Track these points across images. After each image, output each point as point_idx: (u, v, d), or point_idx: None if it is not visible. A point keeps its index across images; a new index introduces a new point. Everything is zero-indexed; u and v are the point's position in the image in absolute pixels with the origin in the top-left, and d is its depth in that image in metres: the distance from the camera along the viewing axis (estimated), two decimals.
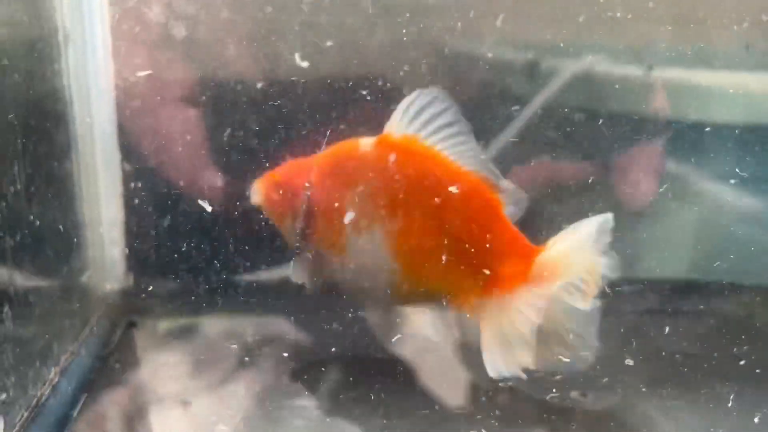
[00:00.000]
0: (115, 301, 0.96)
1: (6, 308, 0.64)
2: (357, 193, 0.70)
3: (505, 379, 0.69)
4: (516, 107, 0.86)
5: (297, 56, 0.76)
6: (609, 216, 0.68)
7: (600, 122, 0.87)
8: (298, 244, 0.75)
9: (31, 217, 0.71)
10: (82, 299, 0.90)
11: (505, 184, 0.70)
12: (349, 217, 0.70)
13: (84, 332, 0.87)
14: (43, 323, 0.75)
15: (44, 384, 0.73)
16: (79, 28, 0.86)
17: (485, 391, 0.78)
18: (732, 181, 0.91)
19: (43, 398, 0.71)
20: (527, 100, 0.87)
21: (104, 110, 0.90)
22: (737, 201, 0.92)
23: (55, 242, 0.80)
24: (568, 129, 0.88)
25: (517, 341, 0.68)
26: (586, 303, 0.66)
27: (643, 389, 0.79)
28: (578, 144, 0.89)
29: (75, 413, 0.73)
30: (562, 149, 0.89)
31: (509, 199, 0.70)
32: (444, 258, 0.69)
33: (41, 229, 0.74)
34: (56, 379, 0.75)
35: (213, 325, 0.94)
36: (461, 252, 0.69)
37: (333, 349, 0.86)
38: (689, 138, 0.90)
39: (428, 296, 0.74)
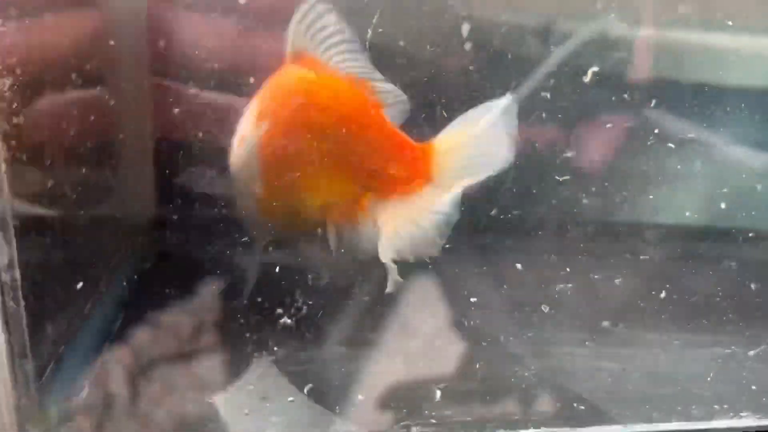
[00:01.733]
0: (146, 232, 0.98)
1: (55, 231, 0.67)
2: (254, 119, 0.70)
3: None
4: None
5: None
6: (506, 99, 0.68)
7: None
8: None
9: (75, 142, 0.74)
10: (116, 228, 0.92)
11: (387, 86, 0.70)
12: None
13: (116, 258, 0.90)
14: (86, 247, 0.78)
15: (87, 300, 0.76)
16: None
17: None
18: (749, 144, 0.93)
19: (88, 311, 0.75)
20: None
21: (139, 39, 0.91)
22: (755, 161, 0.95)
23: (94, 168, 0.83)
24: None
25: (419, 237, 0.68)
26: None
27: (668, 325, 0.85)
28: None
29: (115, 327, 0.78)
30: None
31: (390, 101, 0.70)
32: (324, 163, 0.69)
33: (83, 154, 0.77)
34: (98, 297, 0.79)
35: (242, 258, 0.97)
36: (343, 156, 0.69)
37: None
38: (708, 101, 0.92)
39: (309, 211, 0.72)
